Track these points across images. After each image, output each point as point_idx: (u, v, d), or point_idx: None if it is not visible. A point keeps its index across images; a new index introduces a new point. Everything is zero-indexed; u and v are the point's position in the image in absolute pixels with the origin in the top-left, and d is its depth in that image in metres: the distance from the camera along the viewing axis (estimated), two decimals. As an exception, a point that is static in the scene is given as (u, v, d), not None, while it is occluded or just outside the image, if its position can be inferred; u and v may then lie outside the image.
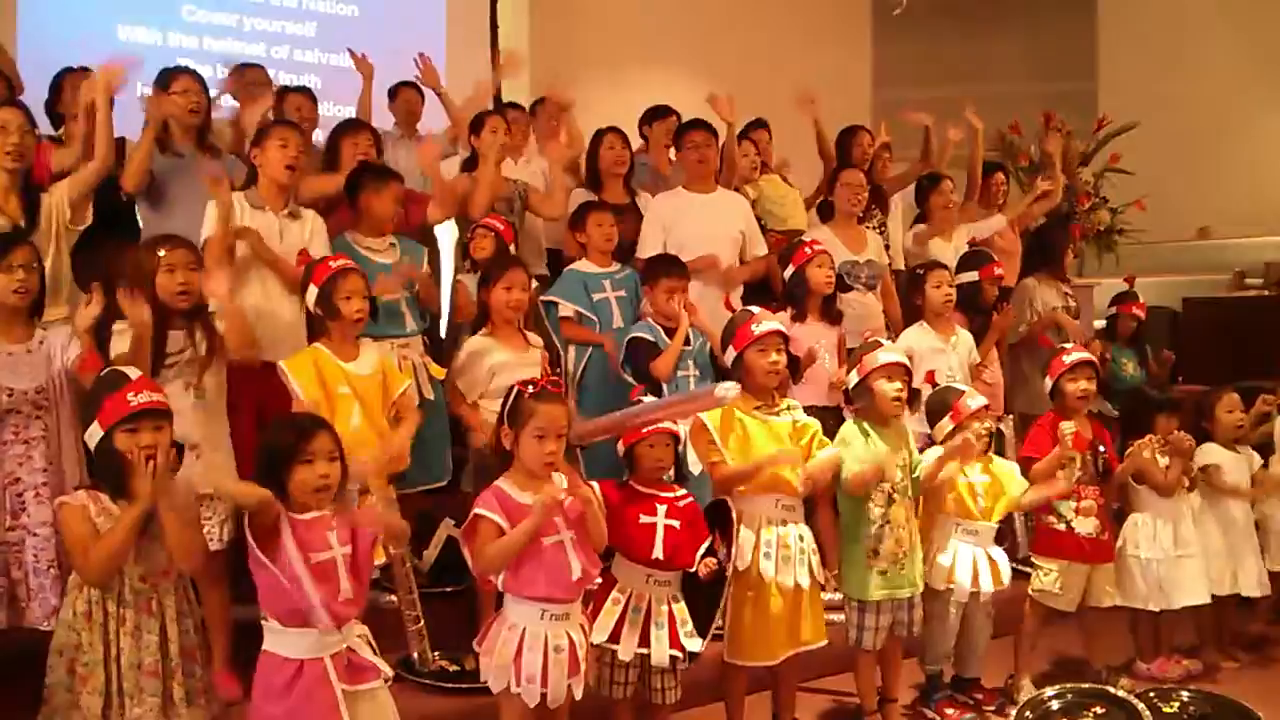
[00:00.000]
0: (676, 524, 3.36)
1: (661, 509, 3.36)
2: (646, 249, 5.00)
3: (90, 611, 2.69)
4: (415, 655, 3.74)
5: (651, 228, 5.07)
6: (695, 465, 3.73)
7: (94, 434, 2.76)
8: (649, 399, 3.60)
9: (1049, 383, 4.24)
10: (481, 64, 8.21)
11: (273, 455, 2.70)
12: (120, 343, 3.39)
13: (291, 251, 4.09)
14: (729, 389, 3.23)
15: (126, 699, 2.67)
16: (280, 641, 2.68)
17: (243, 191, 4.09)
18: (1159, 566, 4.31)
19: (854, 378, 3.85)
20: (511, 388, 3.08)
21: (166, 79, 4.57)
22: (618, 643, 3.28)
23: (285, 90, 5.61)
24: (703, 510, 3.49)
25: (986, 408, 3.99)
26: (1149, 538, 4.33)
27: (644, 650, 3.29)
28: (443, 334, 5.01)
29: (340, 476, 2.75)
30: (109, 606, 2.69)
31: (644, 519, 3.33)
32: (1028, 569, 4.26)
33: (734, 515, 3.47)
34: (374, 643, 2.82)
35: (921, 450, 3.92)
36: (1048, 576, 4.17)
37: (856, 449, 3.72)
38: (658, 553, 3.31)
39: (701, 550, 3.38)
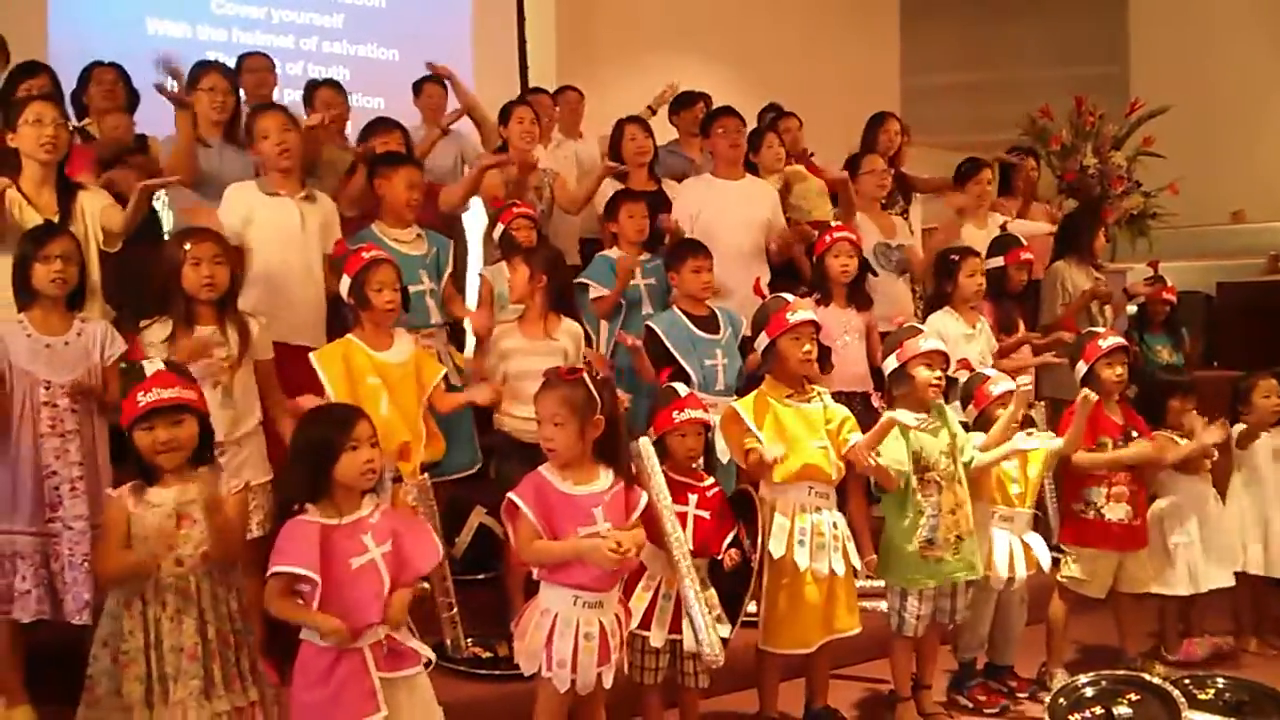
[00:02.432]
0: (706, 514, 3.38)
1: (693, 499, 3.39)
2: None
3: (130, 600, 2.72)
4: (448, 642, 3.77)
5: (681, 214, 5.07)
6: (724, 454, 3.73)
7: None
8: (678, 385, 3.59)
9: (1082, 367, 4.20)
10: (508, 53, 8.24)
11: (317, 448, 2.71)
12: (152, 334, 3.43)
13: (314, 236, 4.11)
14: None
15: (170, 682, 2.69)
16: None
17: (254, 183, 4.12)
18: (1188, 550, 4.29)
19: (892, 363, 3.83)
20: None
21: (195, 74, 4.61)
22: (649, 629, 3.30)
23: (314, 84, 5.64)
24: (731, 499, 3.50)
25: (1013, 392, 3.96)
26: (1177, 522, 4.31)
27: (675, 636, 3.31)
28: (466, 325, 5.03)
29: (382, 461, 2.77)
30: (147, 594, 2.72)
31: (676, 508, 3.33)
32: (1060, 555, 4.24)
33: (758, 505, 3.46)
34: (413, 627, 2.82)
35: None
36: (1077, 564, 4.15)
37: (892, 449, 3.68)
38: (688, 544, 3.31)
39: (728, 540, 3.39)
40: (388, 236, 4.26)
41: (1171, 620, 4.49)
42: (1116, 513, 4.11)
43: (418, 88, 6.04)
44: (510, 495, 2.96)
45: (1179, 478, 4.37)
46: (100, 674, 2.72)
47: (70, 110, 4.63)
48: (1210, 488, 4.43)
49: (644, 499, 3.10)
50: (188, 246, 3.50)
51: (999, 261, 5.12)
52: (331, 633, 2.63)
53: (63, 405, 3.31)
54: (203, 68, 4.65)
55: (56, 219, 3.65)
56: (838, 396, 3.89)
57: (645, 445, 3.25)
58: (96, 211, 3.82)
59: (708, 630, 3.19)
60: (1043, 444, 3.95)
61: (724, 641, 3.29)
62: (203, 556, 2.76)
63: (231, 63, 5.25)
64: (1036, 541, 3.94)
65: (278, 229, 4.06)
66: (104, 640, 2.74)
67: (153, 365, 2.86)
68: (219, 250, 3.55)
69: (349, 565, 2.67)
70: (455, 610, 3.79)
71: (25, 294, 3.35)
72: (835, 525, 3.58)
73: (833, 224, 4.89)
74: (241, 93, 4.96)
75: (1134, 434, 4.18)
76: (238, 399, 3.55)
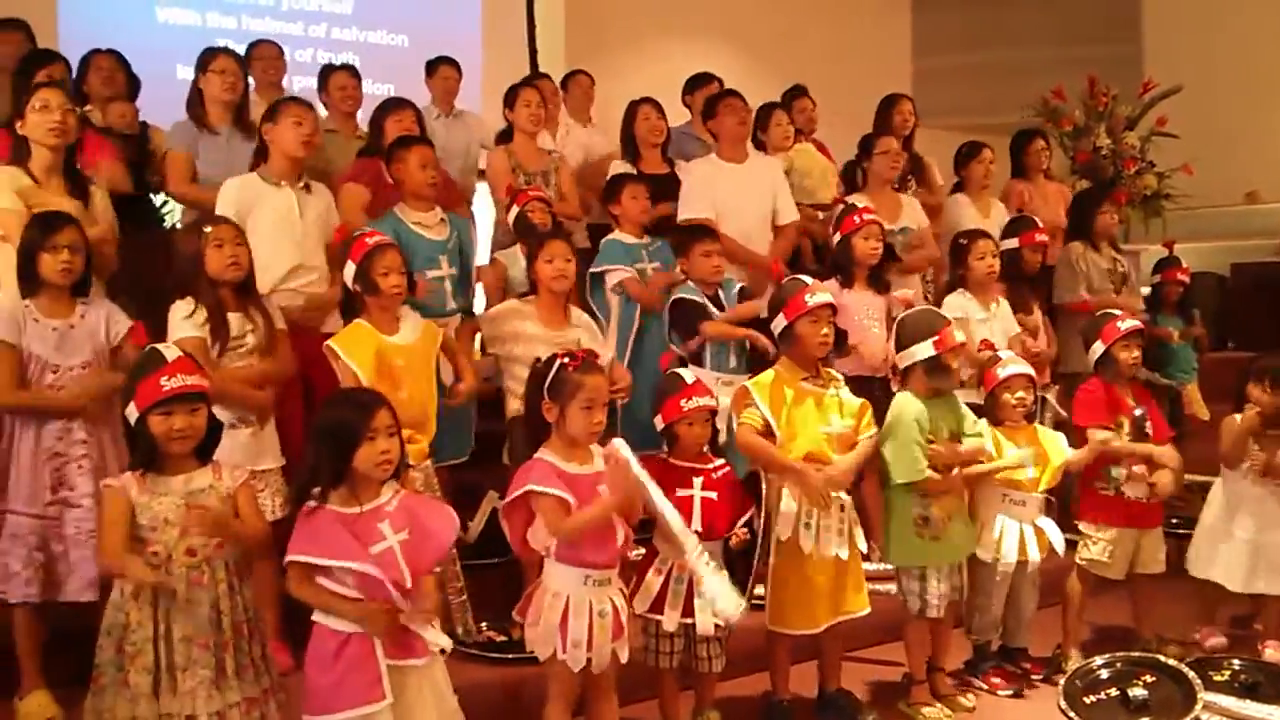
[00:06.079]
0: (714, 495, 3.38)
1: (698, 481, 3.39)
2: (689, 210, 4.99)
3: (138, 591, 2.69)
4: (459, 628, 3.77)
5: (694, 191, 5.04)
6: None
7: (131, 413, 2.76)
8: (684, 371, 3.58)
9: (1098, 348, 4.18)
10: (517, 38, 8.22)
11: (335, 434, 2.69)
12: (182, 327, 3.44)
13: (314, 225, 4.09)
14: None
15: (179, 672, 2.68)
16: (328, 615, 2.69)
17: (254, 171, 4.09)
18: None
19: (927, 349, 3.75)
20: (550, 360, 3.06)
21: (205, 59, 4.62)
22: (661, 613, 3.30)
23: (330, 68, 5.63)
24: (741, 480, 3.50)
25: (1025, 376, 3.95)
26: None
27: (688, 620, 3.30)
28: (480, 312, 5.03)
29: (400, 451, 2.75)
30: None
31: (680, 493, 3.34)
32: (1075, 537, 4.22)
33: (764, 486, 3.44)
34: (430, 617, 2.78)
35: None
36: (1096, 545, 4.13)
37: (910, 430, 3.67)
38: (695, 525, 3.31)
39: (743, 520, 3.39)
40: (409, 220, 4.23)
41: (1209, 605, 4.44)
42: (1137, 490, 4.09)
43: (431, 68, 6.02)
44: (535, 487, 2.94)
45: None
46: (106, 664, 2.70)
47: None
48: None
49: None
50: (208, 230, 3.50)
51: (1014, 243, 5.08)
52: (363, 619, 2.62)
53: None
54: (212, 52, 4.66)
55: (67, 207, 3.64)
56: (857, 381, 3.88)
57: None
58: (107, 203, 3.83)
59: (726, 595, 3.06)
60: (1024, 456, 3.87)
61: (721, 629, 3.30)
62: (216, 547, 2.75)
63: (240, 50, 5.25)
64: (1049, 525, 3.93)
65: (277, 218, 4.02)
66: (108, 630, 2.72)
67: (171, 351, 2.83)
68: (239, 233, 3.56)
69: (368, 552, 2.65)
70: (465, 595, 3.80)
71: (31, 282, 3.35)
72: (842, 509, 3.57)
73: (859, 205, 4.82)
74: (250, 80, 4.96)
75: (1144, 414, 4.15)
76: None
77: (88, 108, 4.96)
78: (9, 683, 3.35)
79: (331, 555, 2.63)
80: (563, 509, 2.92)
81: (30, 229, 3.37)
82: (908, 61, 9.88)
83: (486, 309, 4.50)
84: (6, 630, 3.34)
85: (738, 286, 4.59)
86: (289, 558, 2.66)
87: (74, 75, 4.97)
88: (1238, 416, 4.20)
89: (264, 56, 5.49)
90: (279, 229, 4.00)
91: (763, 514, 3.45)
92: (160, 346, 2.88)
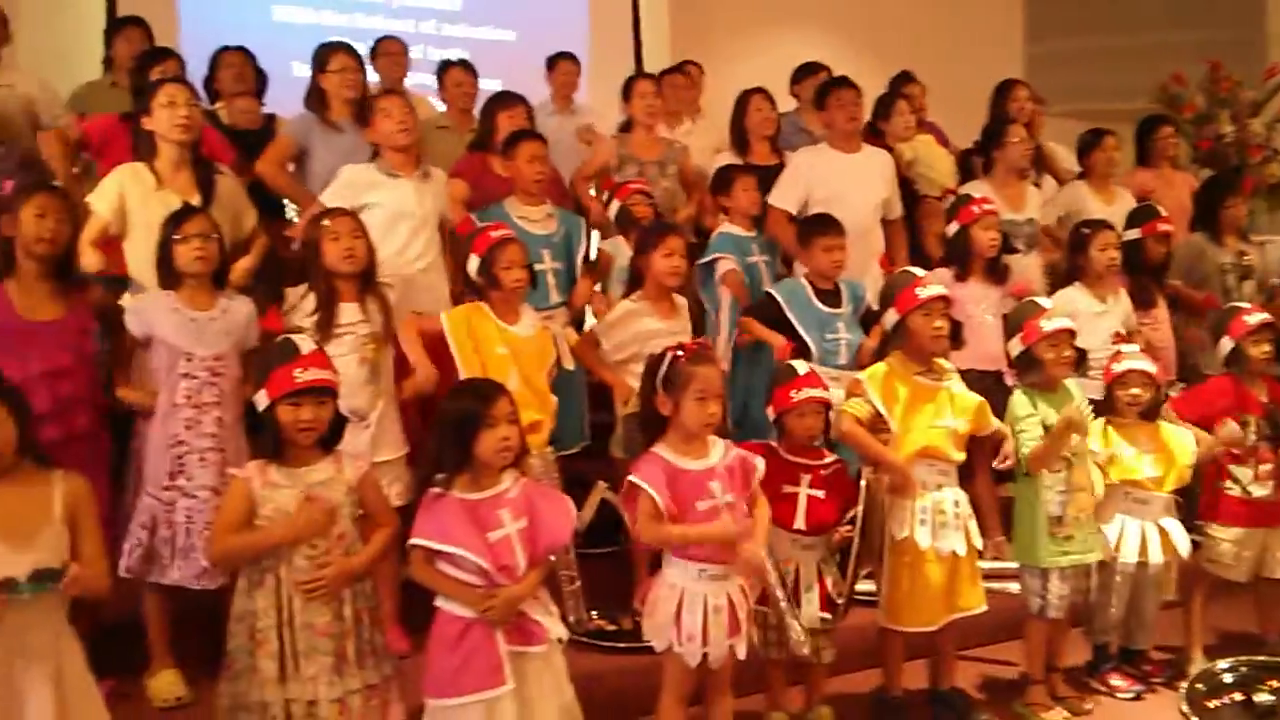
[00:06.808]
0: (821, 493, 3.36)
1: (805, 478, 3.37)
2: (780, 199, 4.95)
3: (261, 579, 2.77)
4: (571, 617, 3.80)
5: (790, 180, 5.00)
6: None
7: (260, 401, 2.82)
8: (797, 362, 3.56)
9: (1227, 344, 4.06)
10: (623, 32, 8.26)
11: (459, 422, 2.74)
12: (304, 304, 3.53)
13: (432, 214, 4.18)
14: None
15: (301, 659, 2.74)
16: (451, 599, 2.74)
17: (372, 164, 4.18)
18: None
19: (1016, 346, 3.72)
20: (663, 354, 3.06)
21: (324, 56, 4.71)
22: (768, 606, 3.29)
23: (446, 64, 5.72)
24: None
25: (1142, 372, 3.83)
26: None
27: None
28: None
29: (520, 439, 2.79)
30: (281, 572, 2.76)
31: (787, 489, 3.33)
32: (1200, 538, 4.09)
33: (862, 484, 3.41)
34: (550, 605, 2.84)
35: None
36: (1220, 546, 4.01)
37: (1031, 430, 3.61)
38: (799, 523, 3.33)
39: (849, 515, 3.36)
40: (514, 213, 4.31)
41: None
42: (1263, 490, 3.96)
43: (551, 63, 6.06)
44: (635, 479, 2.95)
45: None
46: (238, 650, 2.78)
47: (203, 96, 4.77)
48: None
49: (760, 465, 3.07)
50: (326, 223, 3.58)
51: (1135, 234, 4.92)
52: (476, 604, 2.67)
53: (202, 377, 3.38)
54: (330, 49, 4.73)
55: (195, 200, 3.75)
56: (970, 375, 3.81)
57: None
58: (238, 191, 3.94)
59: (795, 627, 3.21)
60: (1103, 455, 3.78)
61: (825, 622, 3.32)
62: (339, 538, 2.81)
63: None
64: (1174, 526, 3.82)
65: (396, 208, 4.11)
66: (239, 617, 2.79)
67: (305, 343, 2.90)
68: (356, 224, 3.62)
69: (486, 539, 2.70)
70: (578, 584, 3.81)
71: (169, 275, 3.44)
72: (957, 504, 3.52)
73: (975, 195, 4.74)
74: (375, 75, 5.05)
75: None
76: (381, 374, 3.63)
77: (218, 105, 5.11)
78: (140, 661, 3.46)
79: (451, 542, 2.69)
80: (655, 510, 2.91)
81: (163, 225, 3.46)
82: (1019, 46, 9.63)
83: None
84: (138, 610, 3.46)
85: (864, 289, 4.49)
86: (411, 540, 2.72)
87: (202, 72, 5.12)
88: None
89: (389, 53, 5.62)
90: (395, 219, 4.08)
91: (860, 512, 3.40)
92: (295, 337, 2.94)
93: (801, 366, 3.49)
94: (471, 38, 7.67)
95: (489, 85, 5.57)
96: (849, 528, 3.37)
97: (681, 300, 4.20)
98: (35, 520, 2.51)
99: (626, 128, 5.40)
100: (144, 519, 3.35)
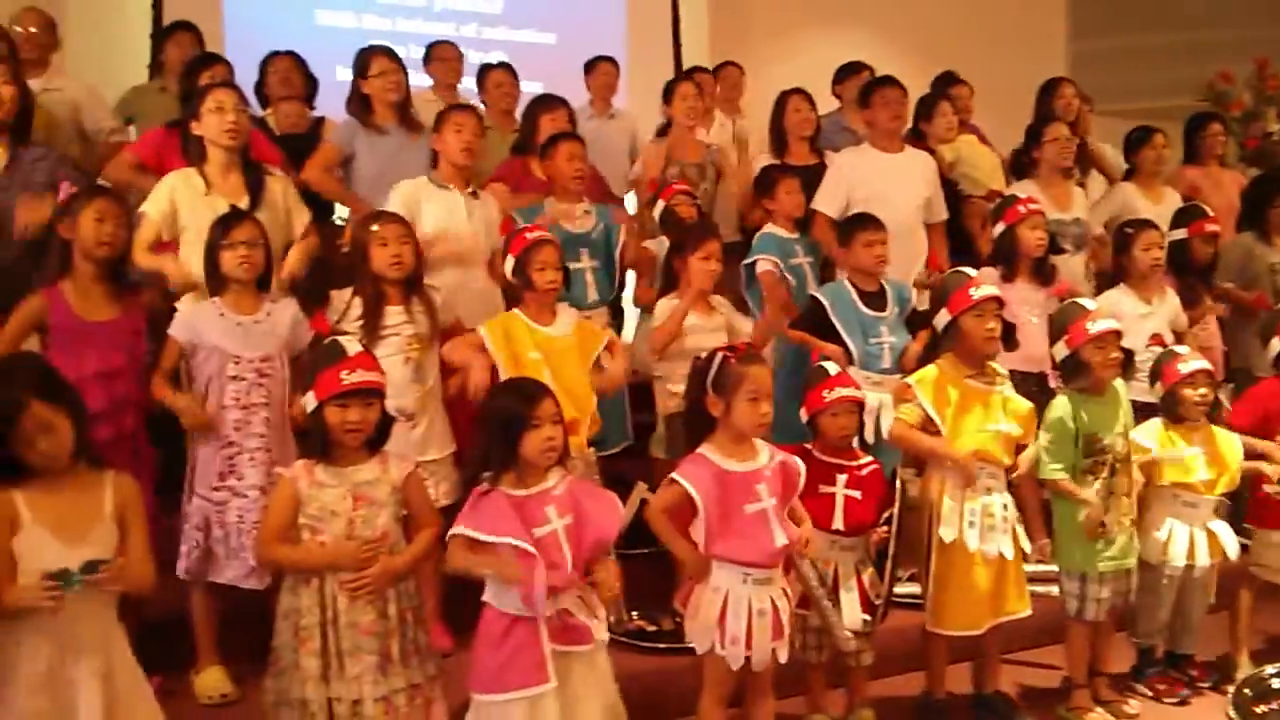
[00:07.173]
0: (858, 494, 3.35)
1: (841, 479, 3.37)
2: (823, 203, 4.93)
3: (307, 577, 2.79)
4: (612, 616, 3.80)
5: (832, 183, 4.99)
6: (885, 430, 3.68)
7: (308, 402, 2.85)
8: (828, 363, 3.55)
9: (1276, 344, 4.00)
10: (662, 34, 8.26)
11: (505, 421, 2.76)
12: (352, 309, 3.55)
13: (480, 229, 4.18)
14: None
15: (346, 658, 2.76)
16: (497, 596, 2.75)
17: (423, 177, 4.19)
18: None
19: (1062, 349, 3.69)
20: (712, 355, 3.05)
21: (365, 60, 4.73)
22: (807, 609, 3.28)
23: (488, 67, 5.76)
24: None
25: (1207, 372, 3.79)
26: None
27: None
28: (624, 305, 5.08)
29: (564, 438, 2.80)
30: (324, 571, 2.78)
31: (823, 489, 3.32)
32: (1248, 541, 4.04)
33: (898, 486, 3.40)
34: (597, 608, 2.83)
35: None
36: (1267, 550, 3.95)
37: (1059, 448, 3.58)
38: (837, 524, 3.32)
39: (885, 516, 3.35)
40: (553, 212, 4.34)
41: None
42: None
43: (590, 66, 6.08)
44: (676, 477, 2.95)
45: None
46: (283, 647, 2.81)
47: (254, 101, 4.82)
48: None
49: (803, 470, 3.06)
50: (375, 228, 3.60)
51: (1181, 234, 4.87)
52: (507, 576, 2.66)
53: (250, 379, 3.43)
54: (370, 53, 4.74)
55: (245, 204, 3.79)
56: (1013, 377, 3.77)
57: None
58: (289, 192, 3.99)
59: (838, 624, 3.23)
60: (1184, 454, 3.73)
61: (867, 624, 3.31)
62: (382, 536, 2.83)
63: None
64: (1223, 529, 3.77)
65: (446, 221, 4.12)
66: (284, 614, 2.82)
67: (353, 345, 2.92)
68: (405, 230, 3.64)
69: (531, 535, 2.70)
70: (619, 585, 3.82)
71: (215, 279, 3.50)
72: (1005, 507, 3.49)
73: (1019, 195, 4.70)
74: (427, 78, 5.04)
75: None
76: (427, 374, 3.65)
77: (267, 111, 5.15)
78: (186, 657, 3.51)
79: (495, 533, 2.70)
80: (688, 508, 2.91)
81: (211, 229, 3.52)
82: (1063, 44, 9.53)
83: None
84: (184, 607, 3.50)
85: (910, 291, 4.47)
86: (453, 531, 2.73)
87: (254, 79, 5.16)
88: None
89: (444, 58, 5.66)
90: (442, 230, 4.09)
91: (896, 513, 3.38)
92: (342, 339, 2.97)
93: (832, 367, 3.49)
94: (511, 40, 7.72)
95: (529, 88, 5.61)
96: (885, 529, 3.36)
97: (718, 297, 4.22)
98: (88, 519, 2.55)
99: (666, 130, 5.40)
100: (197, 520, 3.42)
